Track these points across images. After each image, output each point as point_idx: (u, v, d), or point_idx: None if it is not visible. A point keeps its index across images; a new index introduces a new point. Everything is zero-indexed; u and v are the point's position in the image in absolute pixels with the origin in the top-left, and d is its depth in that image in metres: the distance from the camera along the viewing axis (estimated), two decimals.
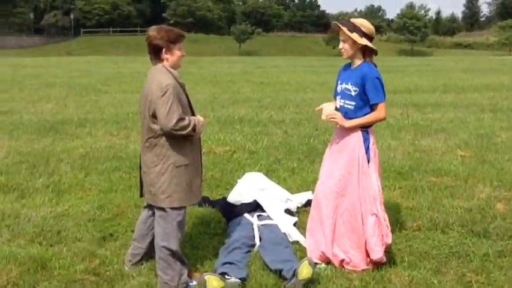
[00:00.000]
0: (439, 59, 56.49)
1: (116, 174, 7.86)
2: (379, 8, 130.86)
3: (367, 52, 4.71)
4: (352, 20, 4.73)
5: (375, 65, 4.76)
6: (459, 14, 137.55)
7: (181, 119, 4.12)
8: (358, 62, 4.75)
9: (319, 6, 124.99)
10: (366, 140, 4.75)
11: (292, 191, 6.78)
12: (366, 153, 4.72)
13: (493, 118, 13.15)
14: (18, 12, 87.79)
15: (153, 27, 4.36)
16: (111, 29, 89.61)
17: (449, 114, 13.79)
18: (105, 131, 11.50)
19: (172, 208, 4.36)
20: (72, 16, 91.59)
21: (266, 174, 7.23)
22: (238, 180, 6.76)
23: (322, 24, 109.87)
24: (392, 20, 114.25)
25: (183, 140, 4.27)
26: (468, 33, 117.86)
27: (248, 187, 6.37)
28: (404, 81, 25.22)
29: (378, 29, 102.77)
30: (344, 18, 79.27)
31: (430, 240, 5.41)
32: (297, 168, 8.18)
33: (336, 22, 4.78)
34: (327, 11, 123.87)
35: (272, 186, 6.57)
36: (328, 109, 4.87)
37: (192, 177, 4.41)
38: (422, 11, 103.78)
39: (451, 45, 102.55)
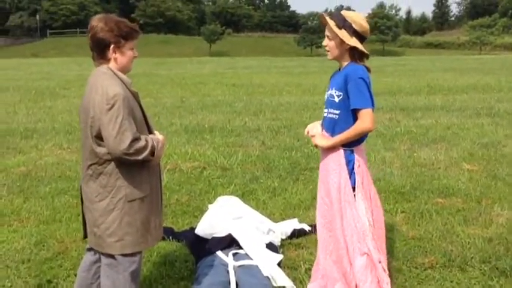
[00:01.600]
0: (414, 59, 56.33)
1: (62, 199, 6.73)
2: (349, 8, 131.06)
3: (356, 55, 3.86)
4: (344, 12, 3.88)
5: (367, 68, 3.88)
6: (429, 14, 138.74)
7: (135, 140, 3.27)
8: (344, 63, 3.92)
9: (289, 6, 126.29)
10: (350, 162, 3.88)
11: (274, 217, 5.88)
12: (350, 178, 3.87)
13: (494, 124, 12.18)
14: None
15: (99, 16, 3.49)
16: (78, 30, 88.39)
17: (443, 120, 12.87)
18: (54, 144, 10.22)
19: (123, 255, 3.50)
20: (38, 17, 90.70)
21: (242, 196, 6.44)
22: (210, 206, 5.75)
23: (293, 24, 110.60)
24: None
25: (137, 166, 3.41)
26: (438, 33, 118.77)
27: (221, 216, 5.40)
28: (384, 82, 24.39)
29: None
30: (314, 18, 78.89)
31: (448, 281, 4.51)
32: (278, 188, 7.17)
33: (322, 14, 3.92)
34: (297, 11, 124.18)
35: (250, 214, 5.59)
36: (315, 130, 4.10)
37: (149, 214, 3.54)
38: (393, 11, 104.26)
39: (422, 44, 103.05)
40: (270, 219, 5.65)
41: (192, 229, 5.44)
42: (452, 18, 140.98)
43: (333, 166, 3.88)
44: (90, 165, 3.42)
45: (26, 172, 7.97)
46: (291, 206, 6.38)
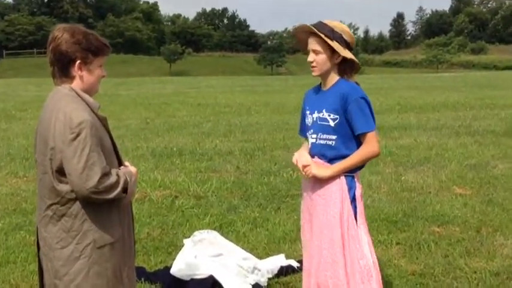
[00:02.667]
0: (377, 77, 57.00)
1: (17, 236, 6.04)
2: None
3: (347, 68, 3.49)
4: (328, 22, 3.47)
5: (357, 84, 3.53)
6: (386, 33, 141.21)
7: (105, 175, 2.81)
8: (333, 80, 3.52)
9: (248, 26, 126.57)
10: (351, 189, 3.46)
11: (257, 252, 5.40)
12: (352, 207, 3.45)
13: (477, 144, 11.86)
14: None
15: (64, 25, 2.98)
16: (35, 50, 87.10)
17: (423, 139, 12.52)
18: (8, 172, 9.41)
19: None
20: None
21: (220, 229, 6.02)
22: (185, 241, 5.25)
23: (252, 43, 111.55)
24: None
25: (107, 206, 2.94)
26: (395, 52, 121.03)
27: (200, 254, 4.94)
28: None
29: None
30: (274, 37, 78.88)
31: None
32: (259, 218, 6.63)
33: (306, 25, 3.48)
34: (257, 31, 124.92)
35: (231, 250, 5.14)
36: (304, 159, 3.57)
37: (121, 261, 3.07)
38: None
39: (380, 63, 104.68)
40: (254, 254, 5.17)
41: (167, 269, 4.92)
42: (409, 37, 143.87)
43: (333, 195, 3.43)
44: (50, 205, 2.91)
45: None
46: (275, 238, 5.89)
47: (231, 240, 5.41)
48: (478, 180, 8.38)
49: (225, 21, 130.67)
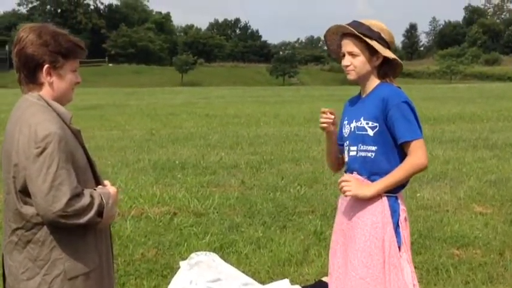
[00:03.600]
0: None
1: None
2: (319, 39, 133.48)
3: (389, 71, 3.13)
4: (364, 20, 3.16)
5: (399, 88, 3.19)
6: (399, 44, 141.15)
7: (76, 197, 2.52)
8: (372, 85, 3.17)
9: (260, 36, 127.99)
10: (395, 213, 3.07)
11: (259, 276, 5.12)
12: (396, 233, 3.07)
13: (496, 158, 11.39)
14: None
15: (31, 25, 2.74)
16: None
17: (438, 152, 12.08)
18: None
19: None
20: (7, 48, 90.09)
21: (220, 250, 5.76)
22: (181, 264, 5.03)
23: (264, 54, 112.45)
24: None
25: (81, 231, 2.67)
26: (408, 62, 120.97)
27: (195, 279, 4.70)
28: None
29: (320, 59, 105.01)
30: (286, 48, 79.86)
31: None
32: (262, 238, 6.23)
33: (342, 25, 3.16)
34: (269, 41, 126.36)
35: (231, 274, 4.89)
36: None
37: None
38: None
39: None
40: (255, 279, 4.94)
41: None
42: (422, 48, 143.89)
43: (374, 219, 3.07)
44: (15, 229, 2.67)
45: None
46: (280, 261, 5.51)
47: (231, 263, 5.18)
48: (499, 197, 7.93)
49: (238, 31, 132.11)
